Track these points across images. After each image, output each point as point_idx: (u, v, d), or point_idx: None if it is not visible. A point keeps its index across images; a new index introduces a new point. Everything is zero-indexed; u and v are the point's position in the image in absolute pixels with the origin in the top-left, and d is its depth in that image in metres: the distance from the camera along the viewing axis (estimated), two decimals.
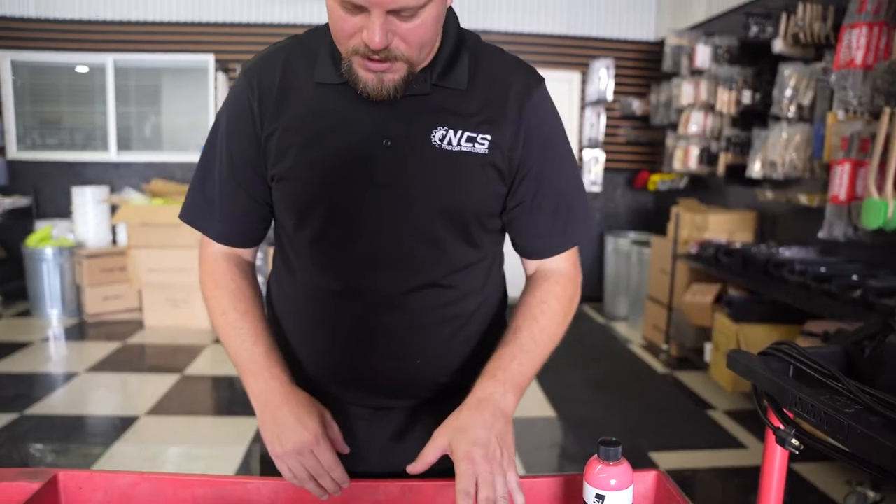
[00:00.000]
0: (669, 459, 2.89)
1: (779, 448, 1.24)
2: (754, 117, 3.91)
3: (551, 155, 0.95)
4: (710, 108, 4.35)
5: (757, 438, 3.10)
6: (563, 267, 0.99)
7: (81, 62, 5.42)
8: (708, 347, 3.75)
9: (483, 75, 0.92)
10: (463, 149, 0.89)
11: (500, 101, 0.91)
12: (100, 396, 3.57)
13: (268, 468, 0.96)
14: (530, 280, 1.00)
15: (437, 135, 0.88)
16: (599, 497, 0.78)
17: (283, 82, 0.91)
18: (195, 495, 0.94)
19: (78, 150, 5.53)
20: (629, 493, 0.79)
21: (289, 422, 0.88)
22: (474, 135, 0.89)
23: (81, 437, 3.04)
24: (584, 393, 3.67)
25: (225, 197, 0.95)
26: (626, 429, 3.22)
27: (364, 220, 0.90)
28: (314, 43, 0.92)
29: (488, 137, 0.90)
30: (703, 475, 2.79)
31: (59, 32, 5.25)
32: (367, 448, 1.00)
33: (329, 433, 0.92)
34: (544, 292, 0.95)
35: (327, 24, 0.87)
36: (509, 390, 0.85)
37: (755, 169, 3.61)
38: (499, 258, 1.04)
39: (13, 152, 5.43)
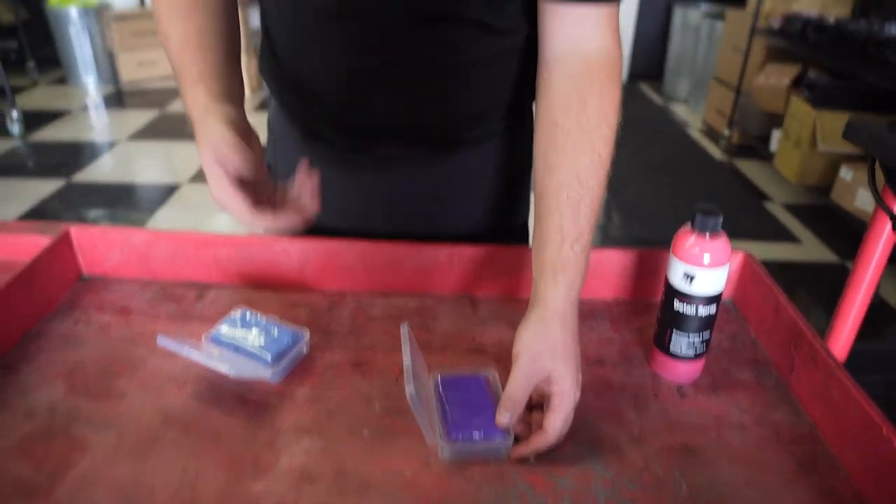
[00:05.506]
0: None
1: (884, 236, 1.09)
2: None
3: None
4: None
5: (813, 233, 2.96)
6: (606, 46, 0.67)
7: None
8: (776, 135, 3.47)
9: None
10: None
11: None
12: (142, 164, 3.56)
13: None
14: (558, 80, 0.67)
15: None
16: (688, 276, 0.65)
17: None
18: (217, 256, 0.84)
19: None
20: (723, 274, 0.65)
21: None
22: None
23: (127, 203, 3.07)
24: (635, 176, 3.50)
25: None
26: (676, 215, 3.09)
27: None
28: None
29: None
30: None
31: None
32: (369, 205, 0.87)
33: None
34: (590, 123, 0.64)
35: None
36: (561, 284, 0.61)
37: None
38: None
39: None
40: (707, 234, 0.65)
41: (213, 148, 0.65)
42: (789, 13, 3.55)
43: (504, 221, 0.90)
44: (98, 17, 4.61)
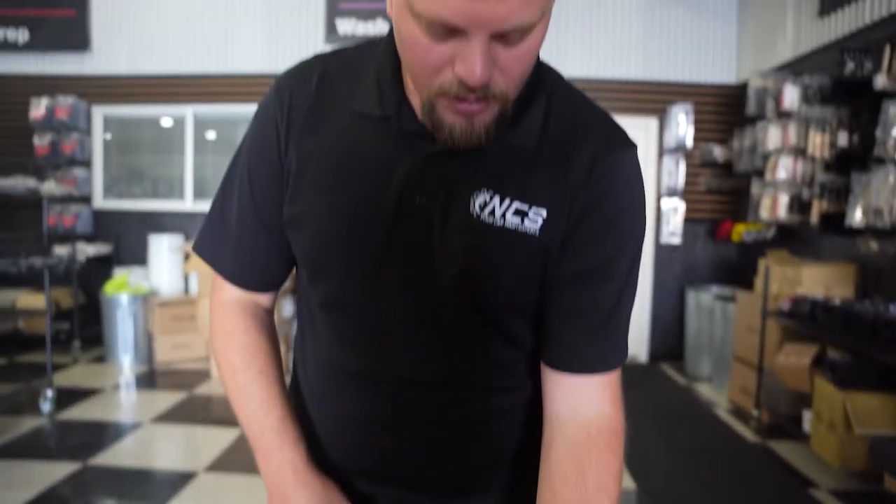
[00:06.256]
0: None
1: None
2: (852, 161, 3.59)
3: (608, 247, 0.71)
4: (799, 152, 4.05)
5: None
6: (606, 412, 0.71)
7: (165, 114, 5.66)
8: (807, 416, 3.37)
9: (556, 129, 0.71)
10: (507, 225, 0.69)
11: (565, 161, 0.70)
12: (162, 449, 3.53)
13: None
14: (558, 445, 0.71)
15: (478, 200, 0.69)
16: None
17: (318, 99, 0.76)
18: None
19: (158, 198, 5.73)
20: None
21: None
22: (525, 206, 0.69)
23: (140, 492, 2.98)
24: (667, 462, 3.35)
25: (242, 232, 0.80)
26: None
27: (380, 290, 0.73)
28: (360, 62, 0.76)
29: (543, 213, 0.70)
30: None
31: (146, 87, 5.52)
32: None
33: None
34: (588, 493, 0.67)
35: (380, 45, 0.74)
36: None
37: (856, 218, 3.28)
38: None
39: (99, 201, 5.67)
40: None
41: None
42: (796, 295, 3.70)
43: None
44: (145, 302, 4.99)
